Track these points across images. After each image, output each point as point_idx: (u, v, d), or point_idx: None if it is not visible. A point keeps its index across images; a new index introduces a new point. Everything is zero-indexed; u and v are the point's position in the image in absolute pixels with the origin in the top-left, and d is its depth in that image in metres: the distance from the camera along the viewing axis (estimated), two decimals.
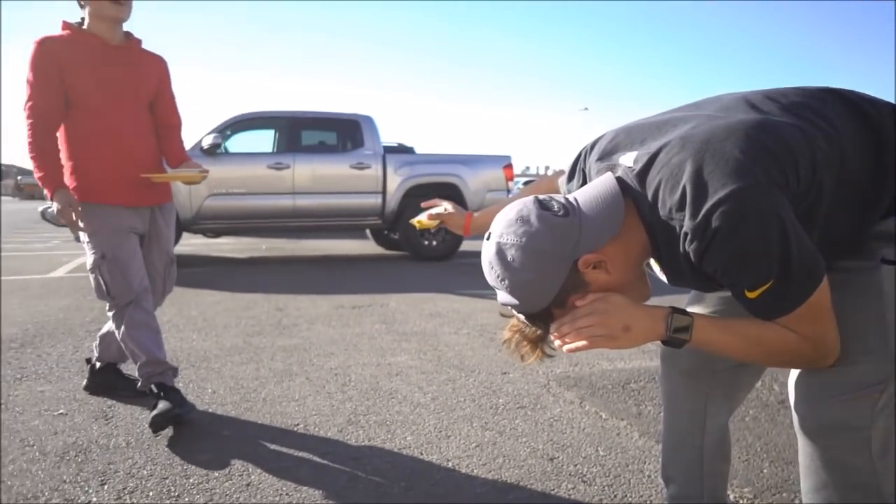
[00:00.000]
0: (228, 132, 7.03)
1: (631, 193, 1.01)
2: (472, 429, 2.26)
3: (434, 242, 7.41)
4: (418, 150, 8.63)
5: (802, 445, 1.04)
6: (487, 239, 1.02)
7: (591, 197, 1.01)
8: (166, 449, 2.05)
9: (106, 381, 2.59)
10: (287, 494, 1.76)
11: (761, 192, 0.87)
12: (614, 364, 3.05)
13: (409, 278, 6.10)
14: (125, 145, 2.29)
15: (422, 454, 2.04)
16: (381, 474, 1.90)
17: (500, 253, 0.98)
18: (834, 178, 0.94)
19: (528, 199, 1.01)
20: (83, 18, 2.27)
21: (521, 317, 1.06)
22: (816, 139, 0.94)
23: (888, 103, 1.03)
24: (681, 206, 0.92)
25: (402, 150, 8.43)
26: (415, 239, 7.35)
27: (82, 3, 2.24)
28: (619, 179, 1.03)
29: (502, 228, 1.00)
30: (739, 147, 0.91)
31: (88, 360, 2.64)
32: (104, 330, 2.50)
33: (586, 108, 57.47)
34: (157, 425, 2.14)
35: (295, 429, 2.24)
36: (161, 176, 2.40)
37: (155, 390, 2.26)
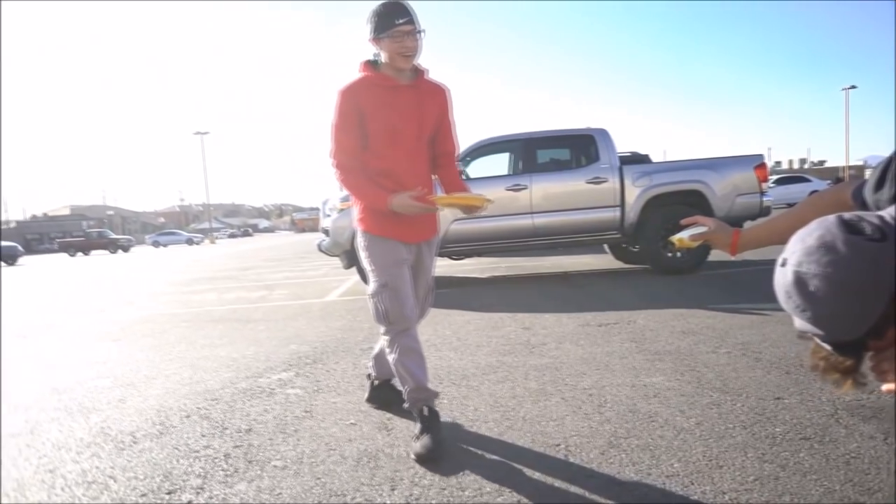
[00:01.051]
0: (468, 159, 7.47)
1: None
2: (746, 459, 2.08)
3: (678, 254, 7.00)
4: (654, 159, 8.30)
5: None
6: (782, 265, 0.94)
7: None
8: (443, 461, 2.22)
9: (383, 396, 2.90)
10: None
11: None
12: None
13: (654, 293, 5.85)
14: (403, 186, 2.42)
15: (693, 483, 1.94)
16: (652, 502, 1.84)
17: (800, 283, 0.89)
18: None
19: (831, 221, 0.90)
20: (379, 54, 2.39)
21: (826, 346, 0.96)
22: None
23: None
24: None
25: (637, 159, 8.16)
26: (657, 251, 7.04)
27: (377, 47, 2.36)
28: None
29: (801, 256, 0.90)
30: None
31: (369, 377, 2.98)
32: (377, 349, 2.79)
33: (853, 87, 49.25)
34: (422, 459, 2.23)
35: (556, 450, 2.28)
36: (444, 198, 2.46)
37: (425, 412, 2.40)
